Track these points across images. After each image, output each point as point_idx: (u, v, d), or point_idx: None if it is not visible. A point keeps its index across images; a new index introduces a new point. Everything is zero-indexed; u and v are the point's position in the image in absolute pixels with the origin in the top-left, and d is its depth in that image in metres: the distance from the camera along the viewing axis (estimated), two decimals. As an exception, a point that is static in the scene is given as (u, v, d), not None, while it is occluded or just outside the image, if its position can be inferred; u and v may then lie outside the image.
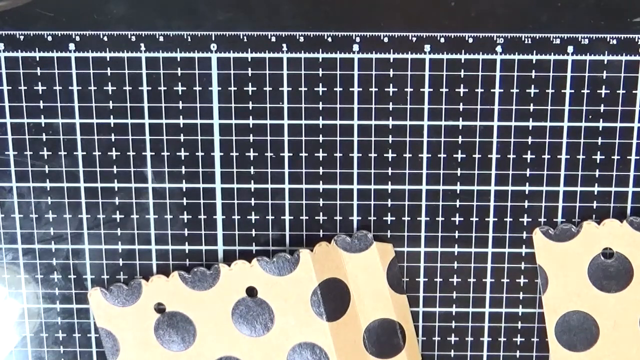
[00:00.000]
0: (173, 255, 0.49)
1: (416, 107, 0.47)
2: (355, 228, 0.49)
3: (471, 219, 0.48)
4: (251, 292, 0.48)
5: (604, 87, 0.46)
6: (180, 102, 0.47)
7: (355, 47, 0.46)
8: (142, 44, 0.46)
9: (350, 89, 0.47)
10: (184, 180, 0.48)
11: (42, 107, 0.47)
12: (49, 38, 0.46)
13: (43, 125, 0.48)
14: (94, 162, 0.48)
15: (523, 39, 0.46)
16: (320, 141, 0.48)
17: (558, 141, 0.47)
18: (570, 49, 0.46)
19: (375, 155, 0.48)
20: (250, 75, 0.47)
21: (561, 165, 0.48)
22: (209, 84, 0.47)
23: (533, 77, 0.46)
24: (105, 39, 0.46)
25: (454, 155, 0.48)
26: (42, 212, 0.49)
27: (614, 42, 0.46)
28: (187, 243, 0.49)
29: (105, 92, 0.47)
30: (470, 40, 0.46)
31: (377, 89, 0.47)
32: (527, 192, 0.48)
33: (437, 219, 0.49)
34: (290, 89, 0.47)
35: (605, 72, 0.46)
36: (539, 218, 0.48)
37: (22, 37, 0.46)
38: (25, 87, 0.47)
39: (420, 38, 0.46)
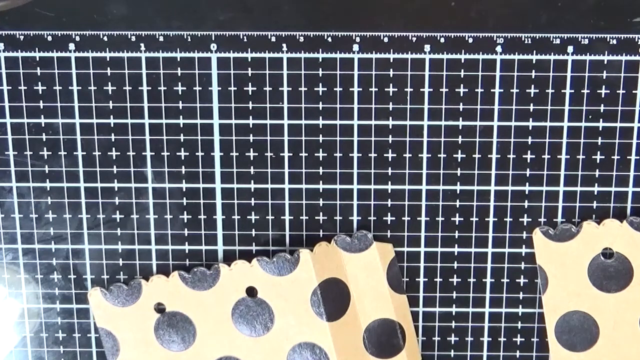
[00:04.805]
0: (173, 255, 0.49)
1: (416, 107, 0.47)
2: (355, 228, 0.49)
3: (471, 219, 0.48)
4: (251, 292, 0.48)
5: (604, 87, 0.46)
6: (180, 102, 0.47)
7: (355, 47, 0.46)
8: (142, 44, 0.46)
9: (350, 89, 0.47)
10: (184, 180, 0.48)
11: (42, 107, 0.47)
12: (49, 38, 0.46)
13: (43, 125, 0.48)
14: (94, 162, 0.48)
15: (523, 39, 0.46)
16: (320, 141, 0.48)
17: (558, 141, 0.47)
18: (570, 49, 0.46)
19: (375, 155, 0.48)
20: (250, 75, 0.47)
21: (561, 165, 0.47)
22: (209, 84, 0.47)
23: (533, 77, 0.46)
24: (105, 39, 0.46)
25: (454, 155, 0.48)
26: (42, 212, 0.49)
27: (614, 42, 0.46)
28: (187, 243, 0.49)
29: (105, 92, 0.47)
30: (470, 40, 0.46)
31: (377, 89, 0.47)
32: (527, 192, 0.48)
33: (437, 219, 0.49)
34: (290, 89, 0.47)
35: (605, 72, 0.46)
36: (539, 218, 0.48)
37: (22, 37, 0.46)
38: (25, 87, 0.47)
39: (420, 38, 0.46)
